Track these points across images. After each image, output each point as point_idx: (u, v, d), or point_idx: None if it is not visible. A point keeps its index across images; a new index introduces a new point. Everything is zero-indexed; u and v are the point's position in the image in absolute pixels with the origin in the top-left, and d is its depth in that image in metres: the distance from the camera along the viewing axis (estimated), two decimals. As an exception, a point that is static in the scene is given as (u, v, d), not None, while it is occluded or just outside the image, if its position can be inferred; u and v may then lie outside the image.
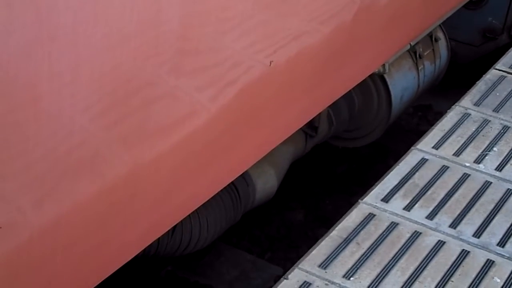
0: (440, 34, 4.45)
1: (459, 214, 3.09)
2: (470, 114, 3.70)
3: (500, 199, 3.18)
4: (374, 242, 2.94)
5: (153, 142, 2.40)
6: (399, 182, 3.27)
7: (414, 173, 3.32)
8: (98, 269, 2.41)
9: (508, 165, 3.38)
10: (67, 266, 2.28)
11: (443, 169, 3.34)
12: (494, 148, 3.48)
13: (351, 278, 2.78)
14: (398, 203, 3.15)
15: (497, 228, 3.03)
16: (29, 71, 1.88)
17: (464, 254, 2.90)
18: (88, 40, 2.02)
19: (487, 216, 3.09)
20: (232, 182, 2.96)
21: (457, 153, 3.45)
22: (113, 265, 2.45)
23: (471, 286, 2.76)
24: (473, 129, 3.60)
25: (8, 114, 1.87)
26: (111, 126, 2.22)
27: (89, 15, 2.01)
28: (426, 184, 3.26)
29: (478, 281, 2.78)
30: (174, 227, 2.69)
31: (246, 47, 2.63)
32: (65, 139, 2.08)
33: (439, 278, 2.79)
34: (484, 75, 4.04)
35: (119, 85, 2.19)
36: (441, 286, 2.76)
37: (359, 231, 2.99)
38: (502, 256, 2.90)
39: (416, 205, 3.14)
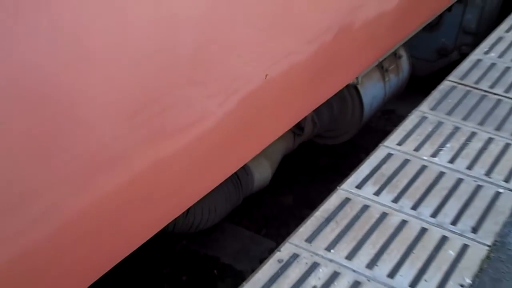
0: (403, 52, 4.47)
1: (418, 198, 3.11)
2: (427, 117, 3.72)
3: (452, 186, 3.20)
4: (349, 221, 2.96)
5: (176, 141, 2.41)
6: (369, 172, 3.28)
7: (382, 165, 3.33)
8: (133, 240, 2.43)
9: (459, 158, 3.39)
10: (113, 238, 2.33)
11: (405, 162, 3.36)
12: (447, 145, 3.50)
13: (331, 251, 2.79)
14: (369, 189, 3.17)
15: (450, 209, 3.05)
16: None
17: (423, 231, 2.91)
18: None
19: (442, 200, 3.10)
20: (235, 173, 2.95)
21: (417, 149, 3.46)
22: (143, 238, 2.46)
23: (429, 257, 2.77)
24: (430, 129, 3.62)
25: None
26: (139, 127, 2.21)
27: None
28: (392, 174, 3.27)
29: (434, 253, 2.80)
30: (188, 210, 2.68)
31: (247, 64, 2.63)
32: (102, 137, 2.08)
33: (403, 251, 2.80)
34: (438, 86, 4.06)
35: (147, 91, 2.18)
36: (404, 257, 2.77)
37: (338, 212, 3.01)
38: (454, 232, 2.91)
39: (384, 191, 3.16)
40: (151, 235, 2.49)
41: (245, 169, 3.51)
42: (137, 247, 2.43)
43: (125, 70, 2.03)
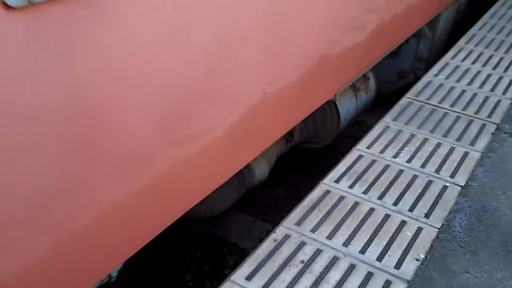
0: (371, 75, 4.49)
1: (383, 191, 3.13)
2: (389, 126, 3.73)
3: (409, 181, 3.22)
4: (329, 209, 2.97)
5: (194, 145, 2.42)
6: (345, 170, 3.29)
7: (355, 164, 3.34)
8: (161, 223, 2.44)
9: (414, 159, 3.42)
10: (145, 220, 2.32)
11: (373, 162, 3.38)
12: (405, 148, 3.51)
13: (315, 232, 2.81)
14: (344, 183, 3.18)
15: (407, 199, 3.07)
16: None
17: (386, 216, 2.94)
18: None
19: (401, 192, 3.12)
20: (240, 170, 2.95)
21: (382, 151, 3.48)
22: (168, 222, 2.47)
23: (391, 237, 2.79)
24: (392, 136, 3.63)
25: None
26: (165, 134, 2.21)
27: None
28: (362, 171, 3.29)
29: (395, 234, 2.82)
30: (203, 200, 2.69)
31: (249, 84, 2.65)
32: (138, 141, 2.09)
33: (371, 232, 2.82)
34: (398, 101, 4.08)
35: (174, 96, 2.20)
36: (372, 237, 2.79)
37: (320, 202, 3.02)
38: (411, 218, 2.93)
39: (356, 185, 3.17)
40: (174, 220, 2.50)
41: (248, 167, 3.52)
42: (164, 228, 2.44)
43: (156, 91, 2.05)
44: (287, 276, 2.52)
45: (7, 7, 1.38)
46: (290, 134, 3.88)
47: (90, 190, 1.90)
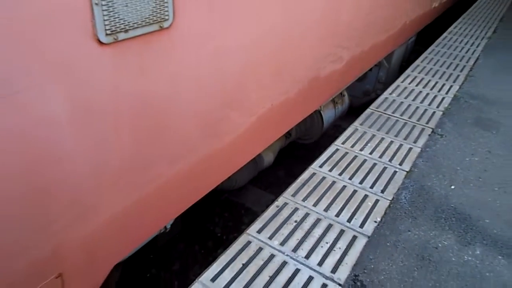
0: (345, 93, 4.47)
1: (352, 174, 3.11)
2: (358, 129, 3.72)
3: (371, 167, 3.21)
4: (315, 185, 2.97)
5: (223, 139, 2.42)
6: (326, 159, 3.28)
7: (333, 155, 3.33)
8: (201, 191, 2.44)
9: (375, 152, 3.40)
10: (191, 188, 2.33)
11: (345, 153, 3.36)
12: (368, 144, 3.50)
13: (305, 201, 2.80)
14: (325, 168, 3.17)
15: (369, 180, 3.06)
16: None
17: (354, 192, 2.93)
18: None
19: (365, 175, 3.11)
20: (254, 157, 2.95)
21: (352, 146, 3.47)
22: (206, 190, 2.47)
23: (357, 206, 2.79)
24: (359, 135, 3.62)
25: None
26: (203, 130, 2.20)
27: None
28: (338, 159, 3.27)
29: (360, 204, 2.82)
30: (229, 177, 2.69)
31: (262, 97, 2.65)
32: (186, 135, 2.07)
33: (343, 203, 2.82)
34: (364, 111, 4.05)
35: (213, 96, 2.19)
36: (344, 206, 2.78)
37: (309, 181, 3.02)
38: (371, 193, 2.93)
39: (334, 169, 3.16)
40: (210, 189, 2.51)
41: (259, 155, 3.52)
42: (203, 195, 2.45)
43: (199, 101, 2.06)
44: (285, 231, 2.54)
45: (101, 43, 1.41)
46: (289, 133, 3.88)
47: (155, 167, 1.92)
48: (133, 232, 1.96)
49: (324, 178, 3.04)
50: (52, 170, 1.41)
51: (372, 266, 2.34)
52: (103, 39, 1.40)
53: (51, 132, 1.36)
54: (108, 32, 1.41)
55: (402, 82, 4.74)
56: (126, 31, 1.47)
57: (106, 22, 1.39)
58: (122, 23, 1.44)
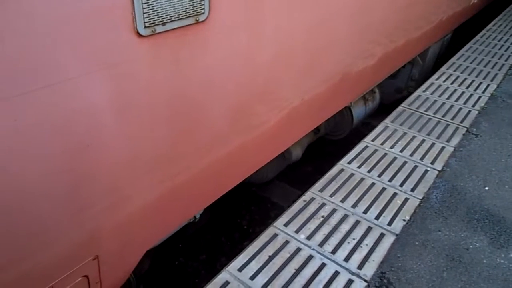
0: (376, 89, 4.40)
1: (381, 171, 3.08)
2: (388, 126, 3.67)
3: (401, 165, 3.16)
4: (343, 181, 2.96)
5: (253, 133, 2.43)
6: (355, 156, 3.25)
7: (362, 152, 3.31)
8: (232, 181, 2.48)
9: (405, 150, 3.35)
10: (223, 179, 2.35)
11: (375, 150, 3.33)
12: (399, 142, 3.45)
13: (332, 197, 2.81)
14: (354, 165, 3.15)
15: (399, 178, 3.01)
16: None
17: (383, 189, 2.90)
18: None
19: (394, 173, 3.07)
20: (282, 152, 2.96)
21: (382, 144, 3.43)
22: (236, 182, 2.51)
23: (386, 204, 2.76)
24: (390, 133, 3.57)
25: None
26: (235, 124, 2.22)
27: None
28: (368, 156, 3.24)
29: (389, 202, 2.78)
30: (257, 170, 2.71)
31: (291, 92, 2.64)
32: (218, 128, 2.10)
33: (371, 200, 2.80)
34: (395, 109, 3.99)
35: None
36: (372, 203, 2.75)
37: (337, 177, 3.01)
38: (401, 191, 2.89)
39: (363, 166, 3.13)
40: (239, 182, 2.53)
41: (288, 150, 3.52)
42: (232, 188, 2.47)
43: (231, 96, 2.09)
44: (312, 225, 2.55)
45: (140, 35, 1.46)
46: (317, 128, 3.86)
47: (186, 158, 1.97)
48: (164, 220, 2.02)
49: (352, 174, 3.02)
50: (92, 158, 1.48)
51: (400, 264, 2.32)
52: (142, 31, 1.45)
53: (93, 120, 1.42)
54: (147, 24, 1.46)
55: (437, 79, 4.62)
56: (164, 24, 1.51)
57: (145, 15, 1.44)
58: (160, 16, 1.49)
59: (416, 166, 3.14)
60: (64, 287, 1.60)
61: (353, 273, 2.24)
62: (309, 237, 2.45)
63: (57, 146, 1.36)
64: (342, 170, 3.07)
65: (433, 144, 3.43)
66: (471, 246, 2.48)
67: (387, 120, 3.76)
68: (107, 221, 1.67)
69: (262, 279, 2.17)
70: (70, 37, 1.26)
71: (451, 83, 4.53)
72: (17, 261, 1.39)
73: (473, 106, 4.07)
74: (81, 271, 1.65)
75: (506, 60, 5.17)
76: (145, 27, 1.45)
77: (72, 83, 1.32)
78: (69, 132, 1.37)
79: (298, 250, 2.36)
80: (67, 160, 1.40)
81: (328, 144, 4.80)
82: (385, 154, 3.27)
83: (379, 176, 3.02)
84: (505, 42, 5.79)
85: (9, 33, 1.12)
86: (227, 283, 2.14)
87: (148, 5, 1.43)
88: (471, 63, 5.07)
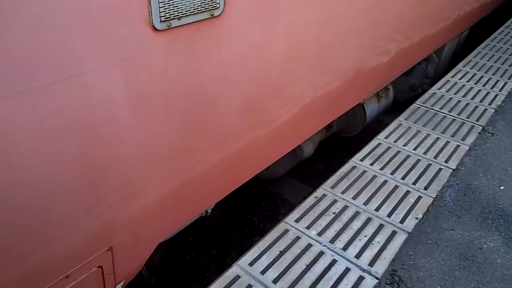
0: (390, 86, 4.35)
1: (394, 169, 3.07)
2: (402, 124, 3.65)
3: (414, 163, 3.14)
4: (355, 178, 2.96)
5: (266, 128, 2.44)
6: (367, 153, 3.24)
7: (375, 149, 3.29)
8: (243, 177, 2.49)
9: (419, 148, 3.33)
10: (234, 174, 2.36)
11: (388, 148, 3.31)
12: (412, 140, 3.42)
13: (344, 194, 2.80)
14: (366, 162, 3.14)
15: (412, 176, 2.99)
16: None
17: (396, 187, 2.88)
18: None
19: (407, 171, 3.05)
20: (294, 148, 2.95)
21: (395, 141, 3.41)
22: (248, 177, 2.51)
23: (398, 201, 2.75)
24: (403, 130, 3.55)
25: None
26: (247, 119, 2.23)
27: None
28: (380, 154, 3.23)
29: (402, 200, 2.77)
30: (268, 167, 2.71)
31: (304, 88, 2.64)
32: (230, 123, 2.12)
33: (383, 197, 2.79)
34: (409, 106, 3.95)
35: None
36: (384, 200, 2.74)
37: (349, 174, 3.01)
38: (414, 189, 2.87)
39: (375, 163, 3.12)
40: (250, 177, 2.55)
41: (299, 146, 3.51)
42: (243, 183, 2.49)
43: (243, 92, 2.09)
44: (323, 222, 2.56)
45: (155, 29, 1.48)
46: (329, 125, 3.85)
47: (200, 152, 1.99)
48: (177, 213, 2.05)
49: (364, 172, 3.01)
50: (108, 150, 1.51)
51: (412, 262, 2.31)
52: (158, 25, 1.47)
53: (109, 113, 1.45)
54: (163, 19, 1.47)
55: (452, 77, 4.56)
56: (179, 18, 1.53)
57: (161, 9, 1.45)
58: (176, 10, 1.50)
59: (429, 164, 3.11)
60: (79, 276, 1.64)
61: (364, 270, 2.24)
62: (320, 233, 2.46)
63: (74, 138, 1.38)
64: (354, 167, 3.06)
65: (447, 143, 3.39)
66: (484, 246, 2.45)
67: (401, 118, 3.73)
68: (121, 213, 1.70)
69: (272, 273, 2.18)
70: (87, 31, 1.29)
71: (467, 81, 4.47)
72: (35, 250, 1.42)
73: (489, 104, 4.01)
74: (95, 262, 1.68)
75: (524, 58, 5.08)
76: (161, 21, 1.47)
77: (89, 77, 1.35)
78: (86, 125, 1.40)
79: (309, 246, 2.37)
80: (83, 152, 1.43)
81: (340, 141, 4.79)
82: (398, 152, 3.25)
83: (392, 173, 3.00)
84: (523, 39, 5.69)
85: (29, 27, 1.15)
86: (238, 277, 2.16)
87: (164, -1, 1.45)
88: (488, 60, 4.99)
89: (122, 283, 1.90)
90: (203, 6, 1.60)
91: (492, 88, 4.33)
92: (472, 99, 4.10)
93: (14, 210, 1.30)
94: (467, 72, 4.67)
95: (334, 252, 2.34)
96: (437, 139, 3.44)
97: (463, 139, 3.45)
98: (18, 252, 1.38)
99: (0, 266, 1.34)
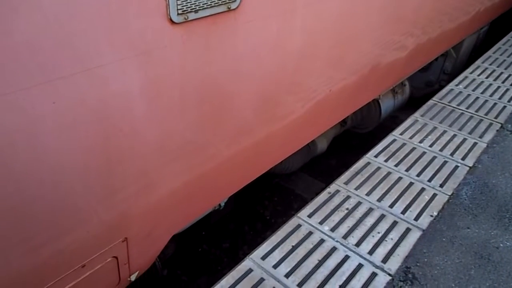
0: (406, 82, 4.31)
1: (409, 165, 3.04)
2: (418, 120, 3.61)
3: (430, 160, 3.11)
4: (369, 175, 2.94)
5: (279, 123, 2.45)
6: (382, 149, 3.22)
7: (390, 145, 3.27)
8: (254, 173, 2.49)
9: (435, 145, 3.29)
10: (245, 170, 2.37)
11: (403, 144, 3.28)
12: (428, 137, 3.39)
13: (358, 190, 2.79)
14: (381, 158, 3.12)
15: (427, 173, 2.96)
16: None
17: (411, 184, 2.86)
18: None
19: (423, 167, 3.02)
20: (308, 143, 2.95)
21: (411, 138, 3.38)
22: (261, 172, 2.52)
23: (413, 198, 2.73)
24: (419, 127, 3.51)
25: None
26: (261, 115, 2.23)
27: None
28: (395, 150, 3.20)
29: (416, 197, 2.74)
30: (281, 161, 2.72)
31: (319, 84, 2.63)
32: (243, 119, 2.12)
33: (397, 194, 2.77)
34: (426, 103, 3.90)
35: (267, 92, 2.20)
36: (398, 197, 2.73)
37: (363, 170, 2.99)
38: (429, 186, 2.84)
39: (390, 160, 3.10)
40: (263, 172, 2.55)
41: (313, 142, 3.51)
42: (256, 177, 2.50)
43: (257, 87, 2.10)
44: (336, 217, 2.55)
45: (172, 22, 1.50)
46: (344, 121, 3.83)
47: (214, 146, 2.00)
48: (191, 206, 2.07)
49: (379, 168, 3.00)
50: (125, 142, 1.53)
51: (426, 260, 2.30)
52: (175, 18, 1.48)
53: (126, 105, 1.47)
54: (180, 11, 1.48)
55: (471, 73, 4.48)
56: (196, 11, 1.54)
57: (179, 2, 1.46)
58: (193, 3, 1.51)
59: (445, 162, 3.08)
60: (95, 266, 1.67)
61: (377, 266, 2.23)
62: (333, 229, 2.46)
63: (92, 130, 1.41)
64: (368, 163, 3.05)
65: (464, 140, 3.35)
66: (501, 245, 2.42)
67: (416, 114, 3.69)
68: (137, 205, 1.73)
69: (285, 268, 2.19)
70: (105, 24, 1.30)
71: (486, 77, 4.39)
72: (54, 238, 1.46)
73: (508, 101, 3.93)
74: (111, 252, 1.72)
75: (546, 54, 4.96)
76: (178, 14, 1.48)
77: (107, 69, 1.37)
78: (103, 116, 1.42)
79: (321, 241, 2.37)
80: (100, 143, 1.46)
81: (354, 137, 4.76)
82: (414, 149, 3.22)
83: (407, 170, 2.98)
84: (546, 35, 5.55)
85: (50, 20, 1.17)
86: (250, 270, 2.17)
87: (181, -8, 1.46)
88: (508, 57, 4.89)
89: (136, 273, 1.94)
90: (220, -1, 1.60)
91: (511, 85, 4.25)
92: (491, 96, 4.03)
93: (35, 200, 1.33)
94: (486, 68, 4.59)
95: (347, 248, 2.34)
96: (454, 136, 3.40)
97: (480, 137, 3.40)
98: (39, 241, 1.42)
99: (22, 254, 1.38)
